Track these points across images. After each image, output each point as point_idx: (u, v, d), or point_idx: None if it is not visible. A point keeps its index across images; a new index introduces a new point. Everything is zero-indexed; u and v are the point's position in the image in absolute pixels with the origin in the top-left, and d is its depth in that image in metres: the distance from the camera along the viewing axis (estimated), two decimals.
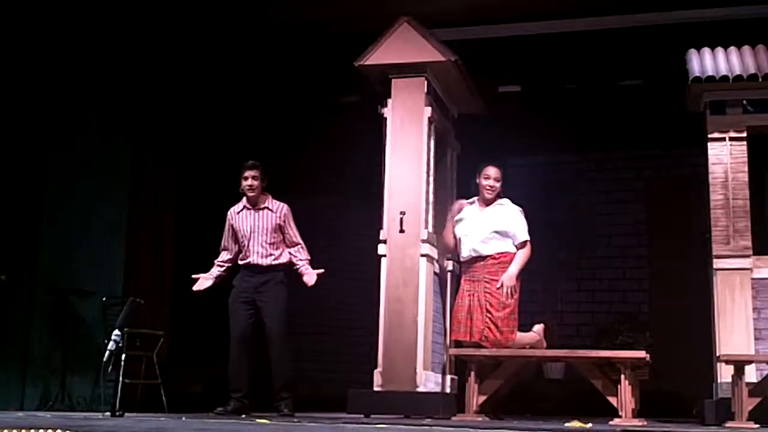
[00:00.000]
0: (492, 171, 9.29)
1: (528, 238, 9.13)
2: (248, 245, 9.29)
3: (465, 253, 9.25)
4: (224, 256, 9.46)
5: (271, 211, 9.34)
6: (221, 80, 12.29)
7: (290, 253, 9.33)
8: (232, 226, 9.40)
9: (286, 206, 9.40)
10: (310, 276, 9.22)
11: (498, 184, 9.26)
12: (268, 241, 9.27)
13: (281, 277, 9.27)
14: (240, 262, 9.37)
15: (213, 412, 8.91)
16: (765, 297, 8.81)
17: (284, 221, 9.33)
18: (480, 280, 9.05)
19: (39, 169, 11.34)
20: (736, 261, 8.87)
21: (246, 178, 9.32)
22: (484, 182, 9.27)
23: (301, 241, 9.38)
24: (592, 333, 13.04)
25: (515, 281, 9.01)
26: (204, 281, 9.41)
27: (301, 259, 9.32)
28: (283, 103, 12.91)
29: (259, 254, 9.25)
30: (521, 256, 9.11)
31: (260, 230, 9.28)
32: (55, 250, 11.13)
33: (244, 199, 9.40)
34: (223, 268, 9.50)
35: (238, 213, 9.39)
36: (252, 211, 9.34)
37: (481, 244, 9.10)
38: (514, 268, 9.03)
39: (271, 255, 9.27)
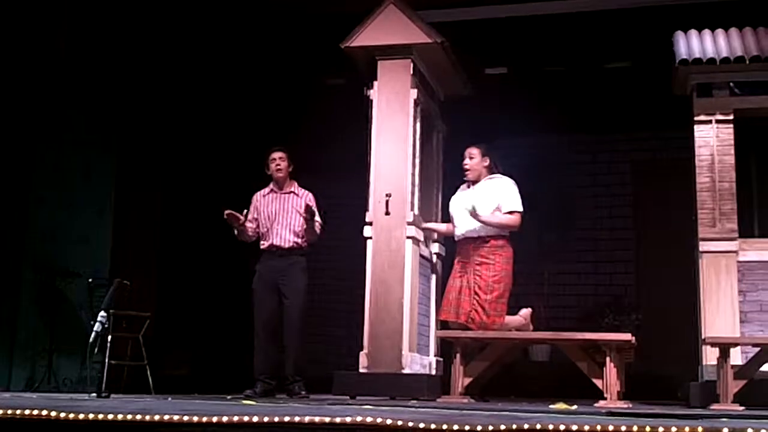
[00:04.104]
0: (467, 151, 9.31)
1: (517, 208, 9.06)
2: (271, 228, 9.46)
3: (458, 233, 9.25)
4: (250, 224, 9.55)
5: (297, 195, 9.56)
6: (207, 61, 12.26)
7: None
8: (256, 208, 9.57)
9: (310, 193, 9.61)
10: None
11: (473, 161, 9.25)
12: (293, 225, 9.43)
13: (303, 263, 9.46)
14: (262, 246, 9.50)
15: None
16: (751, 280, 8.83)
17: (309, 207, 9.44)
18: (470, 262, 9.05)
19: (26, 149, 11.31)
20: (722, 244, 8.88)
21: (273, 160, 9.59)
22: (463, 164, 9.30)
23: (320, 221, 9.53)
24: (577, 315, 13.06)
25: (478, 217, 8.98)
26: (234, 216, 9.37)
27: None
28: (268, 84, 12.88)
29: (282, 237, 9.42)
30: (503, 218, 9.06)
31: (285, 213, 9.46)
32: (41, 231, 11.11)
33: (271, 183, 9.62)
34: (252, 225, 9.55)
35: (264, 196, 9.62)
36: (278, 195, 9.56)
37: (476, 224, 9.08)
38: (487, 218, 9.00)
39: (294, 239, 9.42)
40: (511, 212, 9.06)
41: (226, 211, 9.33)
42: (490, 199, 9.09)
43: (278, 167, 9.53)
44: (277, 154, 9.57)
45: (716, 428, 4.38)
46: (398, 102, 9.38)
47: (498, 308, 8.92)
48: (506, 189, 9.14)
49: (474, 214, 8.95)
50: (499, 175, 9.27)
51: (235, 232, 9.50)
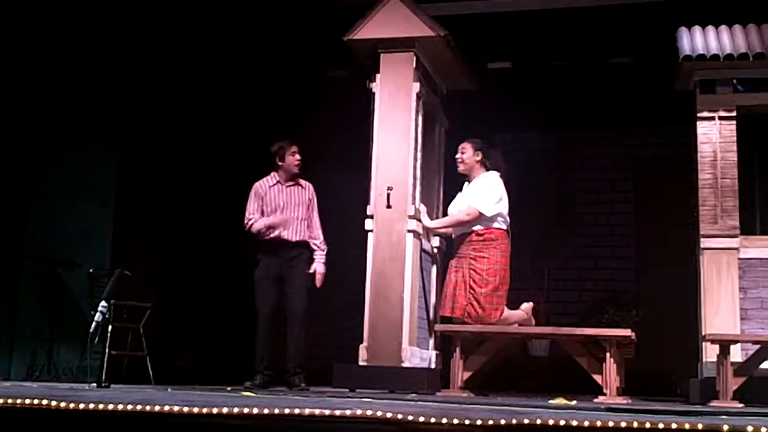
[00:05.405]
0: (460, 147, 9.32)
1: (477, 205, 9.00)
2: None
3: (455, 229, 9.27)
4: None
5: (302, 187, 9.49)
6: (210, 54, 12.24)
7: (310, 237, 9.42)
8: (261, 198, 9.42)
9: (311, 184, 9.56)
10: (321, 270, 9.35)
11: (464, 155, 9.26)
12: (299, 217, 9.36)
13: (308, 254, 9.39)
14: (267, 237, 9.37)
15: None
16: (752, 277, 8.82)
17: (311, 199, 9.48)
18: (465, 256, 9.04)
19: (28, 140, 11.31)
20: (723, 241, 8.87)
21: (294, 153, 9.44)
22: (455, 158, 9.33)
23: (319, 227, 9.49)
24: (578, 311, 13.07)
25: (426, 227, 9.37)
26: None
27: (319, 249, 9.41)
28: (271, 77, 12.87)
29: (289, 230, 9.30)
30: (456, 216, 9.20)
31: (293, 206, 9.38)
32: (43, 222, 11.12)
33: (275, 174, 9.49)
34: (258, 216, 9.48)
35: (271, 187, 9.46)
36: (284, 187, 9.45)
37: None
38: (431, 223, 9.42)
39: (301, 231, 9.35)
40: (472, 208, 9.03)
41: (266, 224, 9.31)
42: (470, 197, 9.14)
43: (299, 161, 9.42)
44: (296, 148, 9.45)
45: (716, 425, 4.38)
46: (400, 95, 9.36)
47: (494, 301, 8.89)
48: (479, 186, 9.15)
49: (423, 225, 9.25)
50: (491, 173, 9.23)
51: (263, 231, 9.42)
